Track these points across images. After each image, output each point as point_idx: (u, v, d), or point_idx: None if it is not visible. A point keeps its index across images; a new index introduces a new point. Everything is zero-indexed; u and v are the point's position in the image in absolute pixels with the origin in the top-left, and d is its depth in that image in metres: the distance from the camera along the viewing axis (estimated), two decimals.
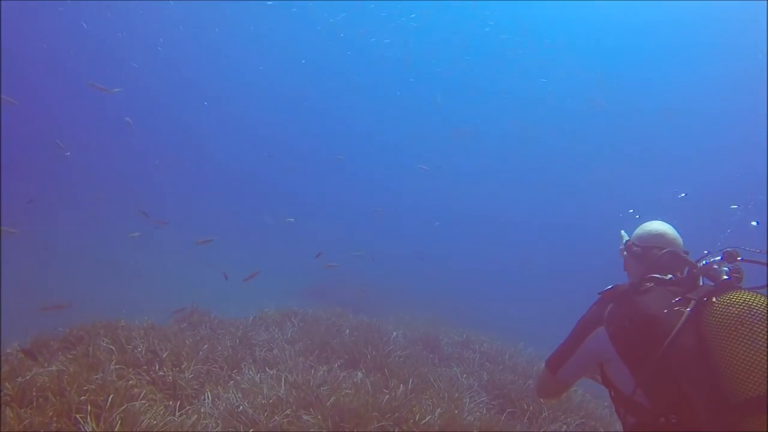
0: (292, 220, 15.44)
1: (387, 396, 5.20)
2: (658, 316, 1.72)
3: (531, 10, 27.32)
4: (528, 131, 33.96)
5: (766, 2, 19.77)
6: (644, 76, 28.10)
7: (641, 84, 28.45)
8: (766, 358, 1.41)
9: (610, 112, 30.44)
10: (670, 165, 29.64)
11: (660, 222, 2.17)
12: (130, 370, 5.06)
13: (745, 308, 1.52)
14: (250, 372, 6.13)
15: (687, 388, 1.59)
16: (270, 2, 28.48)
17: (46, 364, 4.79)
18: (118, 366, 4.96)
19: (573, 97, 31.21)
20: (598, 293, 2.01)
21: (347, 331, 8.00)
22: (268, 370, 6.09)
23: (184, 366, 5.62)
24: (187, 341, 6.39)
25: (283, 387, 5.52)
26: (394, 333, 8.38)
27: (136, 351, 5.44)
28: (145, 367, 5.21)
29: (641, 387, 1.74)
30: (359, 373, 6.07)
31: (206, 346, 6.31)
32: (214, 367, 6.19)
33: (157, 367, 5.28)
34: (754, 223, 2.99)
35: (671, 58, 26.81)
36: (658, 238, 2.09)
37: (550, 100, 32.04)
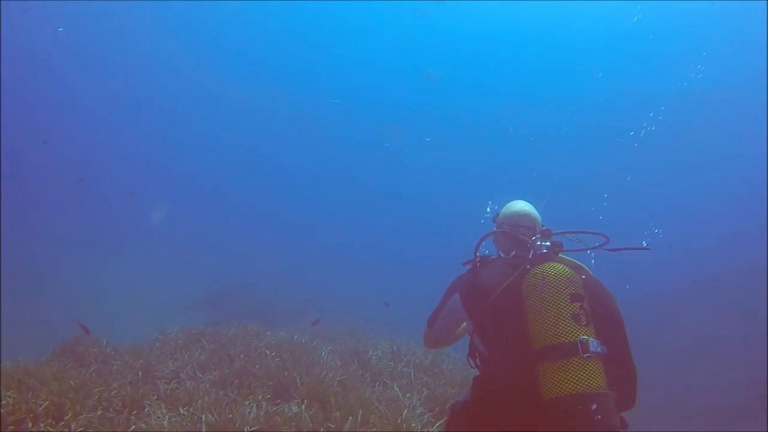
0: None
1: None
2: (492, 282, 2.06)
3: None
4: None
5: (766, 2, 20.02)
6: (642, 75, 27.40)
7: (639, 84, 27.17)
8: (548, 317, 1.87)
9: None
10: (666, 170, 29.44)
11: (523, 202, 2.47)
12: None
13: (540, 278, 1.96)
14: (158, 413, 5.04)
15: (504, 336, 1.98)
16: None
17: None
18: None
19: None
20: (462, 264, 2.37)
21: (269, 352, 7.06)
22: (181, 410, 5.02)
23: (68, 417, 4.43)
24: (71, 382, 5.13)
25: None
26: (324, 352, 7.59)
27: None
28: (12, 427, 3.96)
29: (478, 336, 2.16)
30: (292, 406, 5.23)
31: (100, 388, 5.09)
32: (109, 411, 5.02)
33: (30, 424, 4.06)
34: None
35: (670, 57, 26.21)
36: (523, 217, 2.39)
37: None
